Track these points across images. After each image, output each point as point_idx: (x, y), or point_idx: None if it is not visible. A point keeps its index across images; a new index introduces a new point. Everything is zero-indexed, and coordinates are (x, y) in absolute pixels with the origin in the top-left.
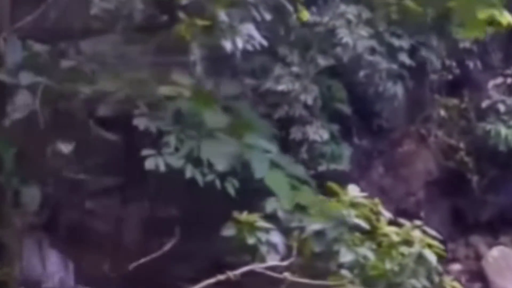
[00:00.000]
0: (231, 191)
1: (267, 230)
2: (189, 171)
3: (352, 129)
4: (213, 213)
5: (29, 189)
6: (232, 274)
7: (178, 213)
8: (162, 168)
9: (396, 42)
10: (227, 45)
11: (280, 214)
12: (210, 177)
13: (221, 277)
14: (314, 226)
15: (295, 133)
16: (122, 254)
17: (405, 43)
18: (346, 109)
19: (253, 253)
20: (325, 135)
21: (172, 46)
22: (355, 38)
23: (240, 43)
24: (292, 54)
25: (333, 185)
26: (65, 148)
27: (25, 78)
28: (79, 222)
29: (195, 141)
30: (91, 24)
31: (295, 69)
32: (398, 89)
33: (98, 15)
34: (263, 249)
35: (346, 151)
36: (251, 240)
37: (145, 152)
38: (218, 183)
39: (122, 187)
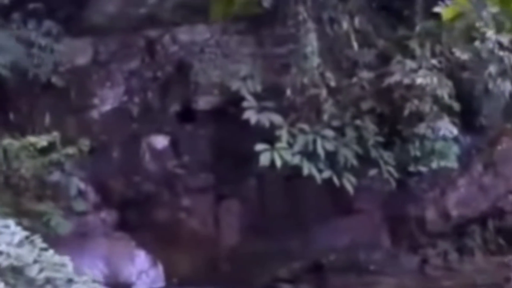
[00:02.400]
0: (349, 188)
1: None
2: (306, 168)
3: (458, 125)
4: (312, 212)
5: None
6: None
7: (275, 211)
8: (279, 163)
9: None
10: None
11: None
12: (327, 174)
13: None
14: None
15: (424, 129)
16: (217, 252)
17: None
18: (455, 105)
19: None
20: (454, 131)
21: (275, 37)
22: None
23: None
24: (422, 47)
25: None
26: (159, 142)
27: None
28: (172, 219)
29: (311, 135)
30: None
31: (432, 62)
32: (507, 86)
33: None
34: None
35: (454, 148)
36: None
37: (258, 147)
38: (336, 179)
39: (218, 184)
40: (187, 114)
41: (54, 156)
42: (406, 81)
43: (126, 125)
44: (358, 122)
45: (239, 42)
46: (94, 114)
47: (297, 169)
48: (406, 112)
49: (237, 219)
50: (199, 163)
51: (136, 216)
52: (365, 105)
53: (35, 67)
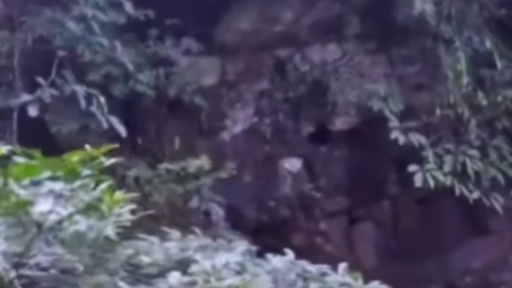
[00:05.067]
0: (498, 208)
1: None
2: (458, 189)
3: None
4: (447, 234)
5: None
6: None
7: (409, 234)
8: (432, 184)
9: None
10: None
11: None
12: (476, 194)
13: None
14: None
15: None
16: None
17: None
18: None
19: None
20: None
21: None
22: None
23: None
24: None
25: None
26: (294, 165)
27: None
28: (308, 244)
29: (460, 155)
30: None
31: None
32: None
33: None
34: None
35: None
36: None
37: (412, 168)
38: (485, 199)
39: (352, 207)
40: (321, 135)
41: (203, 181)
42: None
43: (258, 147)
44: (495, 142)
45: (371, 62)
46: (225, 136)
47: (447, 190)
48: None
49: (372, 242)
50: (335, 185)
51: (270, 242)
52: (500, 125)
53: (166, 87)
